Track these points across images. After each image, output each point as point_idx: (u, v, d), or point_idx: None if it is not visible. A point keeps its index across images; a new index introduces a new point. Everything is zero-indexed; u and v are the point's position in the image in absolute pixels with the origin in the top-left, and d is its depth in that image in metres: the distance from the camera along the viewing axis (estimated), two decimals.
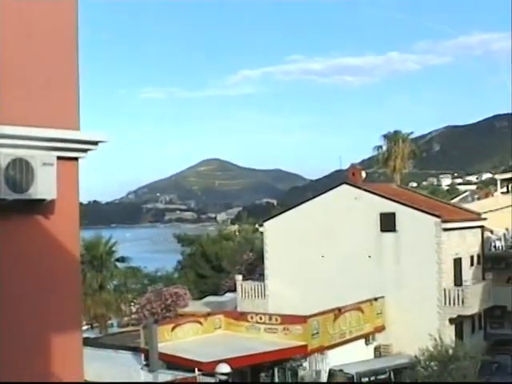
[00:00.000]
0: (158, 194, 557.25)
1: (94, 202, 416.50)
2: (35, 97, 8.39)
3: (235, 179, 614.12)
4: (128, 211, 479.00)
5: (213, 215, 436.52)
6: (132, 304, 63.38)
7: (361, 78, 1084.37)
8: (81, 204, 9.04)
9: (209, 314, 43.35)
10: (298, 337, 38.21)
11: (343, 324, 40.09)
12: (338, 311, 39.84)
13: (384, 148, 72.19)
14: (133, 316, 61.05)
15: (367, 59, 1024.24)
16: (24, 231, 8.17)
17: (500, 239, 53.97)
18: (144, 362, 37.31)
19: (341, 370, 33.88)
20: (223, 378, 31.69)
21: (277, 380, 38.52)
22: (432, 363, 29.62)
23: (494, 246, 53.60)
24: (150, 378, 35.48)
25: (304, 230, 45.90)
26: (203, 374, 33.42)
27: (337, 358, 36.60)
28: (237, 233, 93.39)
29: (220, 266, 71.89)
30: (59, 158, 8.35)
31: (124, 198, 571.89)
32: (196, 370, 33.74)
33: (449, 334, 38.59)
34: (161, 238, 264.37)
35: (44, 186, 8.10)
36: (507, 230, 54.84)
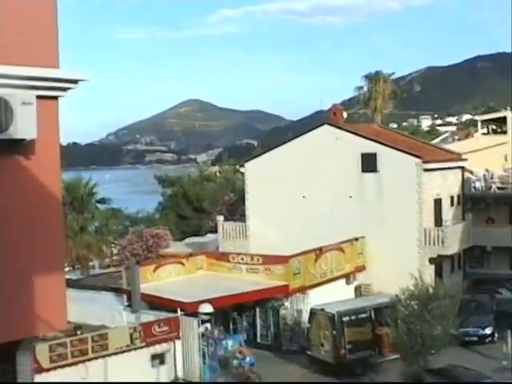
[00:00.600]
0: (137, 136, 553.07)
1: (74, 143, 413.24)
2: (14, 35, 8.19)
3: (216, 120, 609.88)
4: (108, 153, 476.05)
5: (193, 156, 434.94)
6: (113, 245, 63.48)
7: (342, 19, 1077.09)
8: (60, 145, 8.91)
9: (190, 255, 43.46)
10: (280, 277, 38.46)
11: (324, 264, 40.36)
12: (319, 251, 40.05)
13: (365, 88, 71.83)
14: (114, 257, 61.22)
15: None
16: (4, 171, 8.04)
17: (480, 180, 54.23)
18: (126, 303, 37.51)
19: (322, 310, 34.15)
20: (206, 317, 31.96)
21: (258, 319, 38.92)
22: (412, 302, 29.85)
23: (474, 187, 53.89)
24: (132, 318, 35.67)
25: (285, 171, 45.85)
26: (186, 314, 33.61)
27: (318, 298, 36.90)
28: (217, 174, 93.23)
29: (201, 206, 71.91)
30: (39, 97, 8.19)
31: (104, 140, 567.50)
32: (178, 310, 33.90)
33: (429, 274, 38.94)
34: (141, 180, 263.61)
35: (24, 126, 7.95)
36: (487, 170, 55.11)
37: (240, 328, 38.77)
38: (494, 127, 67.40)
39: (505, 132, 62.25)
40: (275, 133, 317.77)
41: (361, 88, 72.26)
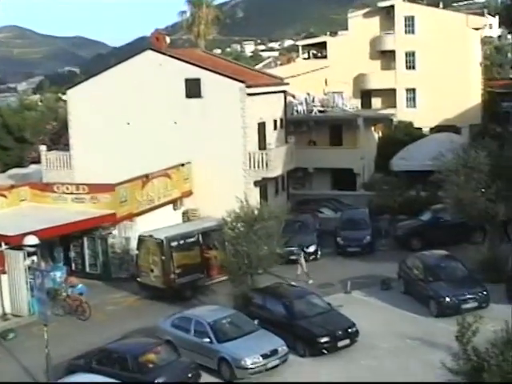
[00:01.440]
0: None
1: None
2: None
3: (35, 47, 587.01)
4: None
5: (13, 85, 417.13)
6: None
7: None
8: None
9: (13, 187, 42.14)
10: (107, 205, 38.14)
11: (151, 190, 40.35)
12: (146, 178, 39.97)
13: (188, 13, 71.21)
14: None
15: None
16: None
17: (302, 104, 55.81)
18: None
19: (150, 236, 34.24)
20: (32, 250, 31.28)
21: (86, 249, 38.60)
22: (239, 224, 30.33)
23: (297, 111, 55.45)
24: None
25: (109, 98, 45.06)
26: (10, 248, 32.81)
27: (146, 225, 36.90)
28: (39, 102, 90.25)
29: (22, 137, 69.49)
30: None
31: None
32: (3, 243, 33.04)
33: (254, 196, 39.74)
34: None
35: None
36: (308, 94, 56.70)
37: (58, 258, 38.29)
38: (315, 52, 69.23)
39: (325, 57, 64.24)
40: (98, 60, 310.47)
41: (184, 13, 71.53)
